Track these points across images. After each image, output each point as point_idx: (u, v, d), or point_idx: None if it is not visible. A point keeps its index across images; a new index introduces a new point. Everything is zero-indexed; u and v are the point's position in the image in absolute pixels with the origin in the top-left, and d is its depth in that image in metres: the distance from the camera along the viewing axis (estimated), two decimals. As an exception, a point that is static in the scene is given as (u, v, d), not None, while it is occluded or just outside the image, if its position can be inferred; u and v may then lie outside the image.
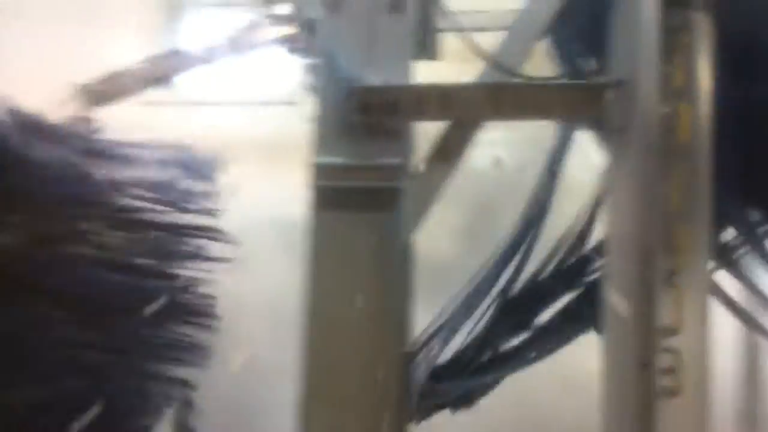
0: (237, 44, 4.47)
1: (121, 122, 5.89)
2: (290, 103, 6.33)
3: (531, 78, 2.12)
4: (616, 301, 1.95)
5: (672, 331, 1.79)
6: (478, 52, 2.12)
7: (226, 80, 6.72)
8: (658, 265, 1.83)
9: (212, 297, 3.34)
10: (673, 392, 1.79)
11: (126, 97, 4.50)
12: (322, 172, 2.15)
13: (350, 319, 2.09)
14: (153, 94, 6.21)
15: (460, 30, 2.17)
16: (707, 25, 1.91)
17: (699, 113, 1.89)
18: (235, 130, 6.06)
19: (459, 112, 2.14)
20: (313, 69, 2.28)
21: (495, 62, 2.12)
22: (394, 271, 2.09)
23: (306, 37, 2.60)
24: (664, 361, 1.79)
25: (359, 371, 2.08)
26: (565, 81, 2.12)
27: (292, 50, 4.49)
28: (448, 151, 2.18)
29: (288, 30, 3.92)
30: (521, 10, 2.16)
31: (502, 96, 2.10)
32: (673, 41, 1.91)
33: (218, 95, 6.61)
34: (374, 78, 2.14)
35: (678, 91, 1.90)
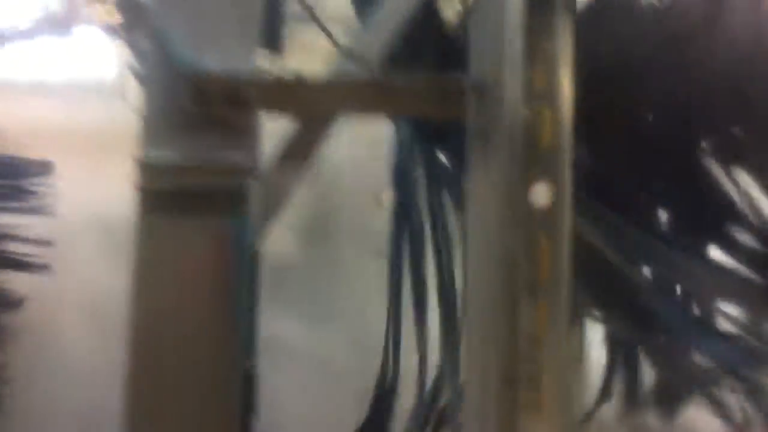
0: (52, 22, 4.00)
1: None
2: (114, 89, 5.85)
3: (390, 74, 1.96)
4: (476, 312, 1.85)
5: (535, 343, 1.72)
6: (334, 43, 1.93)
7: (40, 62, 6.07)
8: (521, 274, 1.75)
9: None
10: (535, 407, 1.72)
11: None
12: (151, 171, 1.86)
13: (185, 338, 1.82)
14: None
15: (312, 18, 1.97)
16: (569, 30, 1.86)
17: (561, 118, 1.83)
18: (51, 117, 5.48)
19: (312, 107, 1.93)
20: (140, 51, 1.97)
21: (352, 55, 1.94)
22: (237, 284, 1.85)
23: (128, 14, 2.29)
24: (526, 374, 1.72)
25: (196, 392, 1.82)
26: (421, 78, 1.98)
27: (112, 31, 4.09)
28: (300, 149, 1.97)
29: (109, 9, 3.55)
30: (381, 2, 2.00)
31: (358, 91, 1.93)
32: (535, 44, 1.84)
33: (31, 79, 5.97)
34: (214, 64, 1.88)
35: (540, 95, 1.83)
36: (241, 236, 1.87)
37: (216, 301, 1.83)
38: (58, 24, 4.03)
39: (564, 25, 1.87)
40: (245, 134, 1.91)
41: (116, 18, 3.93)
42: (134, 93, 5.64)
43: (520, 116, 1.82)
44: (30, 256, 3.58)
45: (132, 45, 2.13)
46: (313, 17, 1.96)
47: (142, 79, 1.95)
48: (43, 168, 4.00)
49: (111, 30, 4.19)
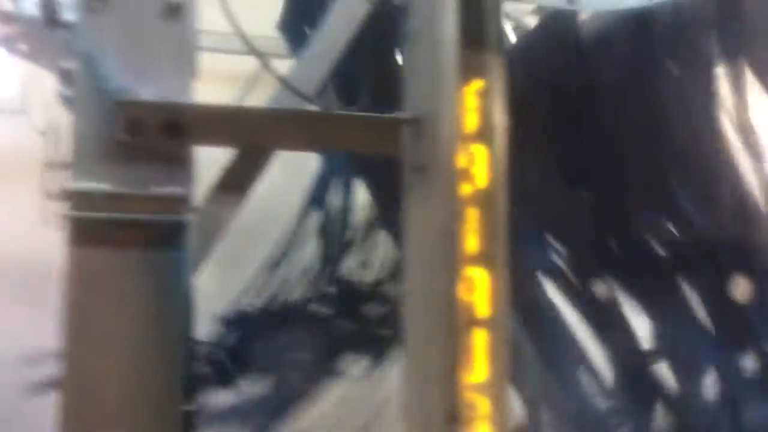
0: None
1: None
2: (16, 111, 5.56)
3: (326, 107, 1.98)
4: (415, 351, 1.87)
5: (477, 383, 1.74)
6: (273, 75, 1.93)
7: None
8: (457, 312, 1.79)
9: None
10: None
11: None
12: (81, 200, 1.79)
13: (120, 372, 1.75)
14: None
15: (250, 49, 1.96)
16: (502, 68, 1.93)
17: (495, 155, 1.90)
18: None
19: (248, 138, 1.92)
20: (69, 76, 1.90)
21: (289, 87, 1.95)
22: (173, 318, 1.80)
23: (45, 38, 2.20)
24: (468, 413, 1.74)
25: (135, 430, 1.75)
26: (360, 113, 2.01)
27: (13, 51, 3.90)
28: (236, 181, 1.95)
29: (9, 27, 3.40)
30: (317, 35, 2.02)
31: (295, 124, 1.93)
32: (469, 82, 1.91)
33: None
34: (147, 92, 1.84)
35: (474, 131, 1.90)
36: (177, 267, 1.83)
37: (153, 334, 1.78)
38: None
39: (496, 62, 1.95)
40: (181, 165, 1.87)
41: (13, 38, 3.77)
42: (38, 113, 5.39)
43: (452, 153, 1.87)
44: None
45: (59, 68, 2.03)
46: (251, 48, 1.94)
47: (71, 104, 1.87)
48: None
49: (13, 47, 4.00)
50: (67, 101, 1.89)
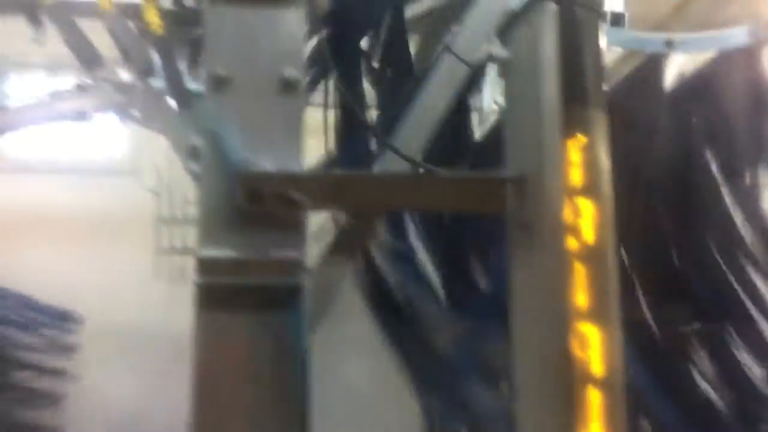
0: (64, 108, 4.09)
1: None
2: (127, 173, 5.94)
3: (431, 169, 2.04)
4: (527, 412, 1.87)
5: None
6: (379, 139, 2.02)
7: (55, 146, 6.19)
8: (572, 370, 1.79)
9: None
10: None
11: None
12: (206, 266, 1.92)
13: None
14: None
15: (359, 114, 2.07)
16: (605, 124, 1.95)
17: (602, 210, 1.90)
18: (66, 200, 5.55)
19: (358, 203, 2.01)
20: (194, 151, 2.05)
21: (394, 150, 2.03)
22: (293, 380, 1.88)
23: (180, 112, 2.38)
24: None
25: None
26: (464, 174, 2.07)
27: (125, 117, 4.20)
28: (348, 243, 2.04)
29: (124, 97, 3.65)
30: (418, 99, 2.10)
31: (402, 187, 2.00)
32: (572, 137, 1.93)
33: (46, 162, 6.08)
34: (266, 163, 1.97)
35: (580, 188, 1.91)
36: (295, 330, 1.92)
37: (273, 393, 1.86)
38: (69, 110, 4.11)
39: (599, 117, 1.96)
40: (296, 230, 1.97)
41: (127, 107, 4.04)
42: (149, 173, 5.71)
43: (559, 210, 1.89)
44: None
45: (188, 146, 2.20)
46: (361, 114, 2.05)
47: (197, 178, 2.02)
48: (68, 317, 4.47)
49: (125, 113, 4.29)
50: (194, 175, 2.03)
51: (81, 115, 4.01)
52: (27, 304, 4.97)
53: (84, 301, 5.33)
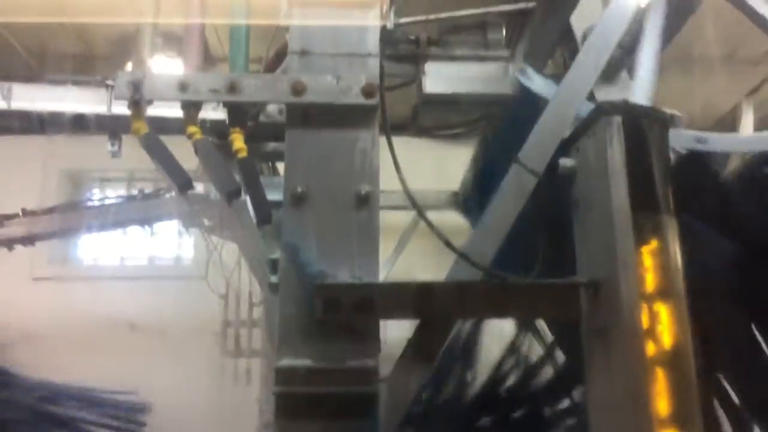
0: (132, 214, 4.31)
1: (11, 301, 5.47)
2: (196, 277, 6.13)
3: (503, 276, 2.08)
4: None
5: None
6: (451, 248, 2.08)
7: (126, 252, 6.47)
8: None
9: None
10: None
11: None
12: (286, 376, 1.96)
13: None
14: (44, 268, 5.86)
15: (429, 226, 2.14)
16: (676, 228, 1.97)
17: (678, 313, 1.90)
18: (135, 305, 5.74)
19: (431, 311, 2.05)
20: (273, 264, 2.15)
21: (467, 259, 2.08)
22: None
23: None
24: None
25: None
26: (536, 281, 2.09)
27: (195, 225, 4.38)
28: (421, 350, 2.06)
29: (199, 207, 3.83)
30: (488, 209, 2.16)
31: (475, 295, 2.04)
32: (645, 242, 1.95)
33: (118, 268, 6.34)
34: (342, 275, 2.04)
35: (654, 292, 1.92)
36: (371, 437, 1.93)
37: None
38: (141, 215, 4.33)
39: (669, 222, 1.99)
40: (371, 338, 2.02)
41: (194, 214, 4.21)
42: (216, 278, 5.89)
43: (635, 315, 1.89)
44: None
45: (268, 260, 2.31)
46: (430, 225, 2.12)
47: (275, 290, 2.10)
48: (140, 407, 4.67)
49: (195, 222, 4.48)
50: (272, 287, 2.12)
51: (147, 222, 4.21)
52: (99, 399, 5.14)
53: (152, 400, 5.45)
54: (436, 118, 3.93)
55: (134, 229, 4.51)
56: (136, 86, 2.07)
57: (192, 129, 2.15)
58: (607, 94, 2.43)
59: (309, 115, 2.12)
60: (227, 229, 3.94)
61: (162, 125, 2.29)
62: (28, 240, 3.91)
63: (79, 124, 3.56)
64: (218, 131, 2.46)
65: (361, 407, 1.93)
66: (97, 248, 6.39)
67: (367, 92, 2.07)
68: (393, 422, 2.01)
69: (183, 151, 2.21)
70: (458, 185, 4.09)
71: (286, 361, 1.98)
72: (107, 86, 3.42)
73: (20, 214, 3.92)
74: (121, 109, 2.30)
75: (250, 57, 2.49)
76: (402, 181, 2.21)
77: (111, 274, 6.18)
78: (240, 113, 2.20)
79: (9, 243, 3.90)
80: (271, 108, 2.74)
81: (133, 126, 2.12)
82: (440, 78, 2.64)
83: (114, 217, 4.07)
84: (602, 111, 1.96)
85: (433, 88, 2.61)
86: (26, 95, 3.61)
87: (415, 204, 2.23)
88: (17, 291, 5.50)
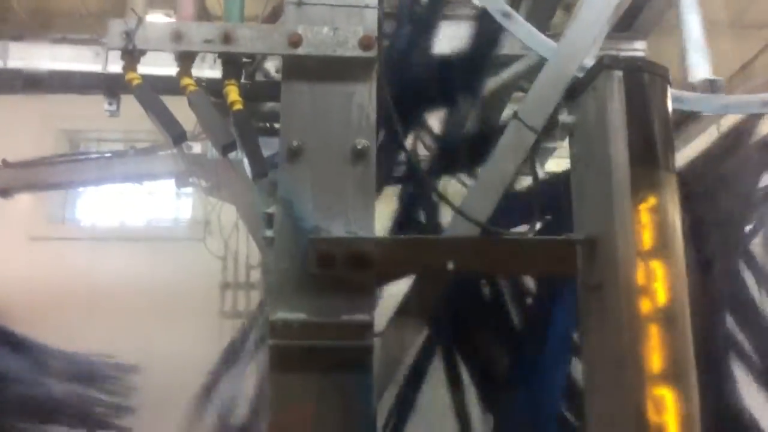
0: (126, 169, 4.24)
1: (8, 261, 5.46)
2: (194, 239, 6.13)
3: (499, 232, 2.07)
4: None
5: None
6: (447, 203, 2.06)
7: (124, 214, 6.45)
8: (647, 429, 1.75)
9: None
10: None
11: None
12: (280, 329, 1.96)
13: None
14: (42, 228, 5.85)
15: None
16: (675, 185, 1.95)
17: (675, 271, 1.89)
18: (133, 267, 5.74)
19: (427, 266, 2.04)
20: (268, 218, 2.13)
21: (463, 215, 2.06)
22: (363, 438, 1.90)
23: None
24: None
25: None
26: (533, 237, 2.08)
27: (185, 186, 4.35)
28: (416, 306, 2.06)
29: (193, 166, 3.79)
30: (486, 165, 2.14)
31: (471, 250, 2.03)
32: (642, 199, 1.93)
33: (117, 230, 6.33)
34: (337, 229, 2.03)
35: (651, 249, 1.90)
36: (364, 390, 1.94)
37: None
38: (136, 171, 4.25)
39: (668, 178, 1.96)
40: (366, 293, 2.01)
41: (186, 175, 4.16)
42: (214, 239, 5.87)
43: (631, 272, 1.88)
44: None
45: (263, 214, 2.29)
46: (429, 180, 2.10)
47: (270, 244, 2.09)
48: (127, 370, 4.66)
49: (192, 183, 4.43)
50: (267, 241, 2.10)
51: (139, 179, 4.13)
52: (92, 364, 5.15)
53: (149, 362, 5.47)
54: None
55: (127, 187, 4.41)
56: (129, 36, 2.04)
57: (186, 81, 2.12)
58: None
59: (305, 68, 2.09)
60: (224, 189, 3.90)
61: (157, 84, 2.25)
62: (7, 192, 3.83)
63: (75, 82, 3.51)
64: (214, 90, 2.43)
65: (355, 361, 1.94)
66: (95, 209, 6.37)
67: (365, 44, 2.04)
68: (387, 376, 2.02)
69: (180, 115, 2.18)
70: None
71: (280, 315, 1.97)
72: (102, 44, 3.36)
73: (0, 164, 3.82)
74: (117, 67, 2.26)
75: (246, 16, 2.45)
76: (400, 138, 2.18)
77: (109, 235, 6.16)
78: (235, 65, 2.17)
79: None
80: (268, 66, 2.70)
81: (127, 76, 2.09)
82: (439, 38, 2.60)
83: (103, 172, 3.98)
84: (603, 65, 1.93)
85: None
86: (22, 54, 3.56)
87: (414, 164, 2.21)
88: (13, 251, 5.50)
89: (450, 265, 1.97)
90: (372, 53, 2.06)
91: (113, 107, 3.71)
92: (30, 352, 4.56)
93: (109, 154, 4.22)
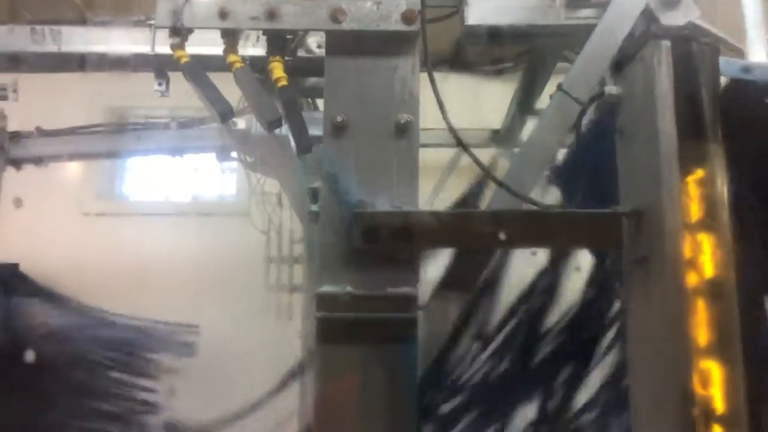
0: (167, 142, 4.26)
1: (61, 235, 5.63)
2: (238, 214, 6.23)
3: (543, 205, 2.07)
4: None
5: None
6: (492, 178, 2.07)
7: (170, 189, 6.58)
8: (693, 408, 1.75)
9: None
10: None
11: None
12: (326, 302, 2.00)
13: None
14: (93, 203, 6.01)
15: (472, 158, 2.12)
16: (722, 158, 1.92)
17: (722, 244, 1.87)
18: (180, 242, 5.87)
19: (471, 240, 2.05)
20: (313, 193, 2.16)
21: (507, 189, 2.07)
22: (405, 411, 1.93)
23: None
24: None
25: None
26: (578, 210, 2.07)
27: (222, 159, 4.39)
28: (459, 279, 2.08)
29: (238, 141, 3.82)
30: (530, 138, 2.14)
31: (515, 224, 2.03)
32: (690, 172, 1.91)
33: (163, 205, 6.46)
34: (382, 203, 2.05)
35: (698, 222, 1.89)
36: (408, 361, 1.97)
37: (387, 423, 1.92)
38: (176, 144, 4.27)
39: (716, 151, 1.94)
40: (410, 266, 2.04)
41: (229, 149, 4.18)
42: (258, 214, 5.98)
43: (677, 245, 1.87)
44: None
45: (308, 188, 2.33)
46: (474, 158, 2.10)
47: (316, 218, 2.13)
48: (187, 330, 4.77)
49: (235, 158, 4.47)
50: (312, 215, 2.14)
51: (181, 151, 4.15)
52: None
53: (198, 335, 5.61)
54: (479, 52, 3.85)
55: (173, 162, 4.43)
56: (176, 14, 2.07)
57: (232, 58, 2.15)
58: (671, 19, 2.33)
59: (348, 43, 2.10)
60: (268, 164, 3.94)
61: (203, 63, 2.29)
62: (41, 160, 3.84)
63: (125, 63, 3.58)
64: (259, 68, 2.46)
65: (400, 333, 1.97)
66: (143, 185, 6.50)
67: (407, 18, 2.04)
68: (431, 348, 2.05)
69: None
70: (494, 123, 4.02)
71: (326, 288, 2.02)
72: (150, 26, 3.42)
73: (35, 132, 3.79)
74: (165, 48, 2.31)
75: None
76: (444, 115, 2.18)
77: (157, 210, 6.30)
78: (279, 41, 2.19)
79: (20, 162, 3.79)
80: (310, 41, 2.72)
81: (175, 54, 2.13)
82: (483, 9, 2.57)
83: (143, 143, 3.97)
84: (650, 35, 1.90)
85: (475, 19, 2.55)
86: (75, 39, 3.63)
87: (459, 139, 2.20)
88: (67, 226, 5.66)
89: (502, 236, 1.99)
90: (415, 27, 2.06)
91: (162, 87, 3.77)
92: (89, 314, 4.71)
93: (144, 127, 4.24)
